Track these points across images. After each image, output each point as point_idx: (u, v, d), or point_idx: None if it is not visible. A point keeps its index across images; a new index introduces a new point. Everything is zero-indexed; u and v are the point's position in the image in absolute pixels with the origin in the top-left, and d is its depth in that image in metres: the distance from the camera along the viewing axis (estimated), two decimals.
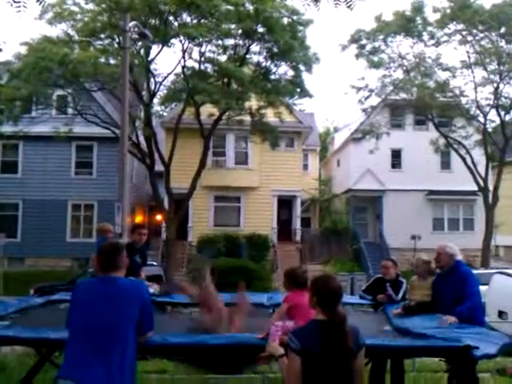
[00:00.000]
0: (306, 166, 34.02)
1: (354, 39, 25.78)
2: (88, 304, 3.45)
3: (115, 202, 13.88)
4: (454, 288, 5.53)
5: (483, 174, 25.51)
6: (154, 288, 6.82)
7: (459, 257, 5.82)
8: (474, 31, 24.76)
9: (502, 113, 25.52)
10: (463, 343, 4.05)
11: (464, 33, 25.01)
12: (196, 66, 21.95)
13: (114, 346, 3.34)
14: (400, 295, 6.50)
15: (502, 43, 24.78)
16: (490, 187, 25.73)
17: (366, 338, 3.21)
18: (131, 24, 14.79)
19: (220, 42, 21.61)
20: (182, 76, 21.97)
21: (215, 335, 4.36)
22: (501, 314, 11.66)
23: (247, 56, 22.18)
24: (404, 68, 26.35)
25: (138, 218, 27.98)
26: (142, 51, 21.29)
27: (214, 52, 21.95)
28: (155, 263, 20.36)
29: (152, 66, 22.18)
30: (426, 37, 25.54)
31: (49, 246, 24.69)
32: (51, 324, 4.58)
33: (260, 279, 20.66)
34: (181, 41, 20.97)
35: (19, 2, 4.36)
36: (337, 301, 3.17)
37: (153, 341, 3.82)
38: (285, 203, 28.73)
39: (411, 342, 4.43)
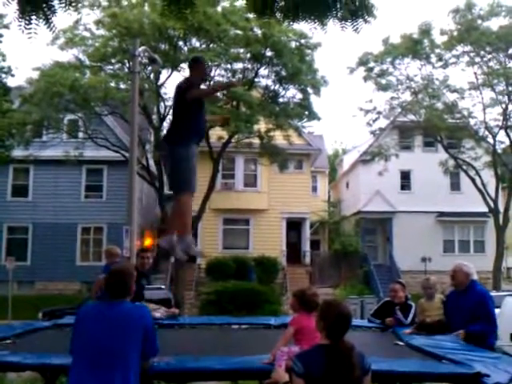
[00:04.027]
0: (314, 188, 34.00)
1: (362, 62, 25.90)
2: (90, 328, 3.45)
3: (124, 225, 13.89)
4: (468, 307, 5.47)
5: (493, 196, 25.31)
6: (160, 312, 6.72)
7: (475, 276, 5.77)
8: (482, 53, 24.84)
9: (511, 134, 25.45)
10: (474, 370, 3.95)
11: (472, 54, 25.09)
12: None
13: (115, 371, 3.32)
14: (409, 319, 6.37)
15: (510, 64, 24.87)
16: (501, 208, 25.53)
17: (376, 358, 3.14)
18: (141, 49, 14.97)
19: (229, 65, 21.86)
20: None
21: (220, 360, 4.29)
22: None
23: (256, 79, 22.41)
24: (412, 90, 26.40)
25: (147, 241, 27.98)
26: (151, 76, 21.57)
27: (223, 76, 22.18)
28: (163, 286, 20.27)
29: (162, 90, 22.44)
30: (433, 59, 25.62)
31: (58, 270, 24.72)
32: (57, 348, 4.55)
33: (269, 302, 20.49)
34: None
35: (30, 29, 4.42)
36: (345, 329, 3.12)
37: (156, 366, 3.79)
38: (294, 225, 28.63)
39: (420, 366, 4.33)
